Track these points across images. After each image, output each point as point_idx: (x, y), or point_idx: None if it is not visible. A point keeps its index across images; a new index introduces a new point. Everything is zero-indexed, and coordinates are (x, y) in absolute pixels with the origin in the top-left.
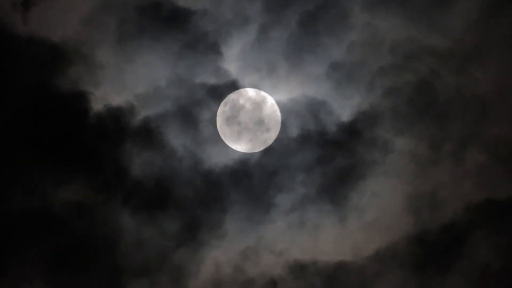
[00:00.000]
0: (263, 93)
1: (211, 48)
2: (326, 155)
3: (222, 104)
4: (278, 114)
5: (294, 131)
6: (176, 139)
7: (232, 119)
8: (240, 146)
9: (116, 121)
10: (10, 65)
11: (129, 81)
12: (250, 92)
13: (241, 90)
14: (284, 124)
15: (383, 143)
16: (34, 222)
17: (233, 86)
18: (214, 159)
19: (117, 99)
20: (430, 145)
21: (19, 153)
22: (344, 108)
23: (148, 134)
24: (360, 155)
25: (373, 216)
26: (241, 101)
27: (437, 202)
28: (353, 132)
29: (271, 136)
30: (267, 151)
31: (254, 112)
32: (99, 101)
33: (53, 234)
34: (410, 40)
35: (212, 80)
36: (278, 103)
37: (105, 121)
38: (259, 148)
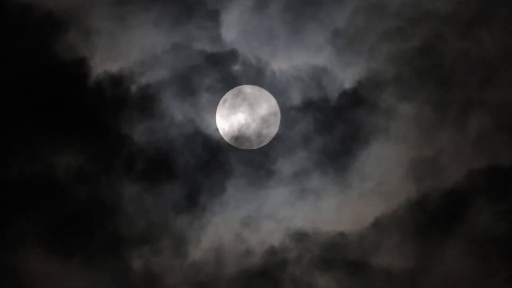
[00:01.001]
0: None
1: (209, 15)
2: (328, 122)
3: (221, 102)
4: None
5: (295, 99)
6: (175, 106)
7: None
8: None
9: (114, 88)
10: (6, 33)
11: (126, 47)
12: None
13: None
14: (285, 92)
15: (387, 108)
16: (35, 188)
17: (233, 54)
18: (214, 126)
19: (115, 66)
20: (434, 110)
21: (19, 120)
22: (347, 74)
23: (147, 101)
24: (363, 121)
25: (375, 182)
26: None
27: (440, 167)
28: (356, 98)
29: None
30: (268, 119)
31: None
32: (97, 68)
33: (54, 200)
34: (414, 4)
35: (211, 48)
36: (279, 71)
37: (104, 88)
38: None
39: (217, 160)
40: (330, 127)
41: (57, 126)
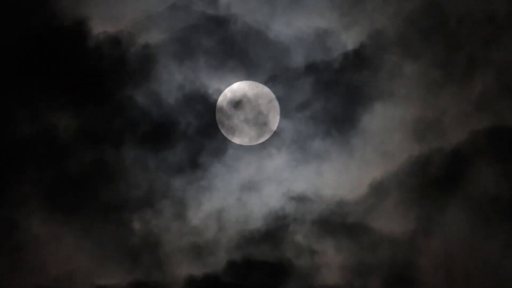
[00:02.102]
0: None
1: None
2: (331, 84)
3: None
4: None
5: (299, 61)
6: (175, 67)
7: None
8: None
9: (113, 49)
10: None
11: (125, 8)
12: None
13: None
14: (288, 54)
15: (390, 69)
16: (36, 148)
17: (233, 19)
18: (216, 86)
19: (115, 26)
20: (438, 70)
21: (19, 81)
22: (349, 36)
23: (146, 62)
24: (366, 82)
25: (378, 144)
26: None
27: (443, 128)
28: (359, 59)
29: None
30: (271, 80)
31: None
32: (96, 28)
33: (55, 161)
34: None
35: (210, 10)
36: (280, 33)
37: (103, 49)
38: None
39: (218, 123)
40: (333, 89)
41: (58, 87)
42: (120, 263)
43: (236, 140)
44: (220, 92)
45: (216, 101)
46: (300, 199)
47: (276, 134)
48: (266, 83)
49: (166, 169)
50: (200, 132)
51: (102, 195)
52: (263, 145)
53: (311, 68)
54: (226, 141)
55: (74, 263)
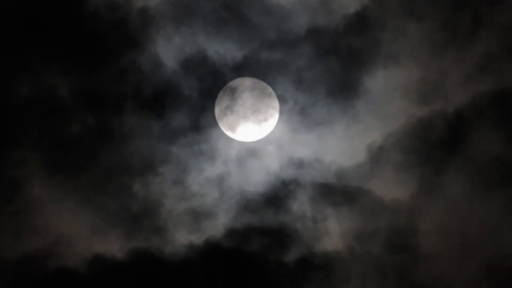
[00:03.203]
0: None
1: None
2: (334, 46)
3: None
4: None
5: (300, 25)
6: (174, 31)
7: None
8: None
9: (113, 11)
10: None
11: None
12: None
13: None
14: (290, 18)
15: (393, 30)
16: (37, 110)
17: None
18: (217, 49)
19: None
20: (442, 31)
21: (21, 42)
22: None
23: (145, 25)
24: (369, 44)
25: (380, 105)
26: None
27: (445, 89)
28: (362, 21)
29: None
30: (272, 46)
31: None
32: None
33: (56, 122)
34: None
35: None
36: None
37: (103, 12)
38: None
39: (220, 86)
40: (335, 53)
41: (57, 51)
42: (120, 229)
43: (237, 107)
44: (219, 55)
45: (216, 64)
46: (301, 165)
47: (279, 97)
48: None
49: (167, 133)
50: (202, 95)
51: (103, 160)
52: (264, 111)
53: (312, 32)
54: (229, 103)
55: (74, 228)
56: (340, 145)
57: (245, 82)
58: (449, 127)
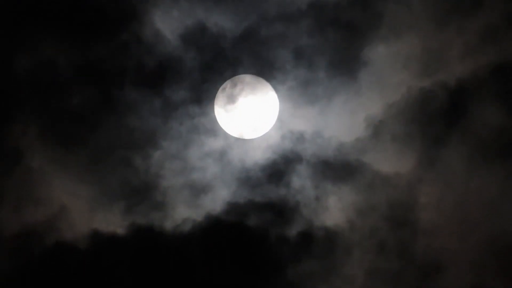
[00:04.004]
0: None
1: None
2: (335, 17)
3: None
4: None
5: None
6: (175, 2)
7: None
8: None
9: None
10: None
11: None
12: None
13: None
14: None
15: None
16: (38, 82)
17: None
18: (216, 21)
19: None
20: (444, 1)
21: (21, 14)
22: None
23: None
24: (370, 14)
25: (381, 77)
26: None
27: (447, 60)
28: None
29: None
30: (273, 19)
31: None
32: None
33: (57, 95)
34: None
35: None
36: None
37: None
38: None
39: (222, 56)
40: (336, 24)
41: (58, 22)
42: (120, 203)
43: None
44: (219, 28)
45: (215, 37)
46: (302, 139)
47: (278, 72)
48: (267, 20)
49: (167, 107)
50: (202, 70)
51: (103, 133)
52: (265, 85)
53: (313, 5)
54: (231, 76)
55: (73, 202)
56: (340, 119)
57: (245, 79)
58: (450, 99)
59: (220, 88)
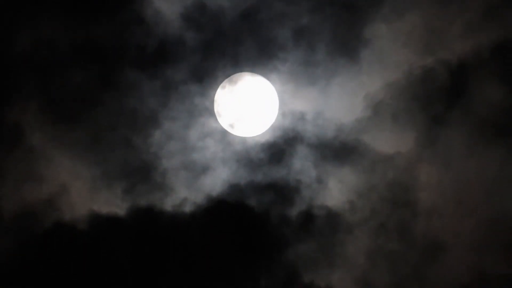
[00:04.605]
0: None
1: None
2: None
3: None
4: None
5: None
6: None
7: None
8: None
9: None
10: None
11: None
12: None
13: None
14: None
15: None
16: (38, 59)
17: None
18: (219, 2)
19: None
20: None
21: None
22: None
23: None
24: None
25: (383, 56)
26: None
27: (449, 38)
28: None
29: None
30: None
31: None
32: None
33: (58, 72)
34: None
35: None
36: None
37: None
38: None
39: (219, 39)
40: (338, 1)
41: (59, 0)
42: (120, 183)
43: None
44: (219, 6)
45: (216, 14)
46: (302, 119)
47: (279, 51)
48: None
49: (168, 86)
50: (202, 49)
51: (103, 111)
52: (266, 66)
53: None
54: (233, 56)
55: (73, 181)
56: (341, 98)
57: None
58: (452, 78)
59: (221, 86)
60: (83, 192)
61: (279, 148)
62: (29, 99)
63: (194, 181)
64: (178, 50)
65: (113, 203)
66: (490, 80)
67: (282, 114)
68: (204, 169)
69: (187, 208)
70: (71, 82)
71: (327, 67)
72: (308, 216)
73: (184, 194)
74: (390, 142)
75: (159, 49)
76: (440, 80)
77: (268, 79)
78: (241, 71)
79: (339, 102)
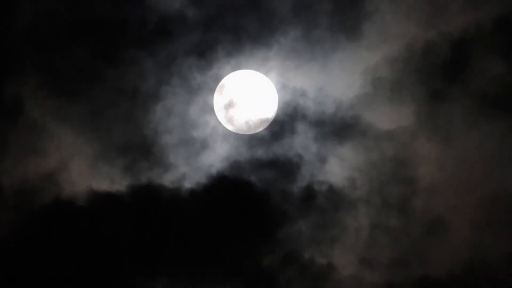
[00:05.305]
0: None
1: None
2: None
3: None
4: None
5: None
6: None
7: None
8: None
9: None
10: None
11: None
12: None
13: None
14: None
15: None
16: (40, 35)
17: None
18: None
19: None
20: None
21: None
22: None
23: None
24: None
25: (385, 26)
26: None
27: (450, 11)
28: None
29: None
30: None
31: None
32: None
33: (59, 48)
34: None
35: None
36: None
37: None
38: None
39: (223, 10)
40: None
41: None
42: (120, 160)
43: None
44: None
45: None
46: (303, 94)
47: (280, 23)
48: None
49: (170, 62)
50: (205, 24)
51: (105, 87)
52: (267, 41)
53: None
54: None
55: (73, 157)
56: (342, 74)
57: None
58: (453, 51)
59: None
60: (83, 167)
61: (280, 124)
62: (30, 73)
63: (194, 158)
64: (178, 25)
65: (113, 179)
66: (491, 54)
67: (282, 85)
68: (204, 145)
69: (187, 184)
70: (72, 56)
71: (329, 41)
72: (309, 193)
73: (184, 170)
74: (392, 117)
75: (160, 25)
76: (441, 54)
77: (268, 53)
78: (242, 49)
79: (340, 77)
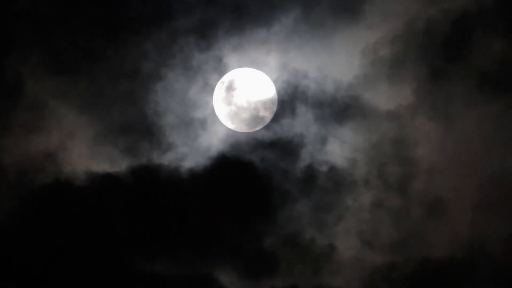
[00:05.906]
0: None
1: None
2: None
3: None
4: None
5: None
6: None
7: None
8: None
9: None
10: None
11: None
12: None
13: None
14: None
15: None
16: (41, 13)
17: None
18: None
19: None
20: None
21: None
22: None
23: None
24: None
25: (385, 6)
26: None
27: None
28: None
29: None
30: None
31: None
32: None
33: (60, 26)
34: None
35: None
36: None
37: None
38: None
39: None
40: None
41: None
42: (120, 141)
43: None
44: None
45: None
46: (305, 75)
47: (281, 3)
48: None
49: (172, 40)
50: (206, 3)
51: (105, 65)
52: (268, 22)
53: None
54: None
55: (74, 137)
56: (343, 53)
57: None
58: (453, 29)
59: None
60: (83, 147)
61: (281, 104)
62: (30, 52)
63: (195, 137)
64: (179, 5)
65: (113, 160)
66: (492, 32)
67: (282, 64)
68: (204, 125)
69: (187, 164)
70: (72, 36)
71: (329, 22)
72: (309, 173)
73: (184, 150)
74: (391, 96)
75: (160, 4)
76: (442, 32)
77: (270, 35)
78: (243, 28)
79: (341, 57)
